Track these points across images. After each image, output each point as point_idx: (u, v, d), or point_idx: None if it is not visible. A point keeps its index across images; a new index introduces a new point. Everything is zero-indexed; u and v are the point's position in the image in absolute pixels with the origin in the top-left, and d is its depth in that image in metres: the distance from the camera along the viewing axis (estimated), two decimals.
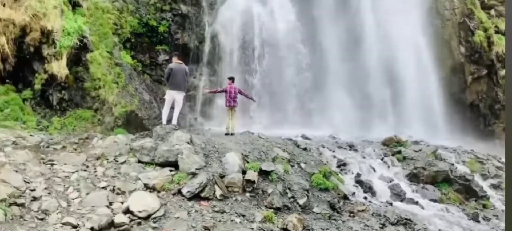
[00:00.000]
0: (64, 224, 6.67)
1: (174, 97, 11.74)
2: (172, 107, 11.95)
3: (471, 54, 21.18)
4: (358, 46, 19.84)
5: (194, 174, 8.74)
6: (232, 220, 7.75)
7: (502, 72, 20.50)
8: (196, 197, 8.22)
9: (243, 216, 8.01)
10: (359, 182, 11.15)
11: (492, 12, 22.05)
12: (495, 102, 21.38)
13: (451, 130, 19.32)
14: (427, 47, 20.46)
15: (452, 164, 12.84)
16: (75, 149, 9.95)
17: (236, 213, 8.05)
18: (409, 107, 19.18)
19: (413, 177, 12.06)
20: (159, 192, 8.32)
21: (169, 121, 11.86)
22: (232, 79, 13.31)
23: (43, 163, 8.69)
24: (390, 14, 19.82)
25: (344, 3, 20.07)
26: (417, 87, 19.64)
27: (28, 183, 7.55)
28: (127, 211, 7.31)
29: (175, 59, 11.93)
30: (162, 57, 16.15)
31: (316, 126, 17.48)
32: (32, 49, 12.68)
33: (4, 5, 12.43)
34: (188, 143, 9.64)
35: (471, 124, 21.20)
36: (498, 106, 21.25)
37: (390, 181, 11.56)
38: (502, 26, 21.40)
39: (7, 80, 12.57)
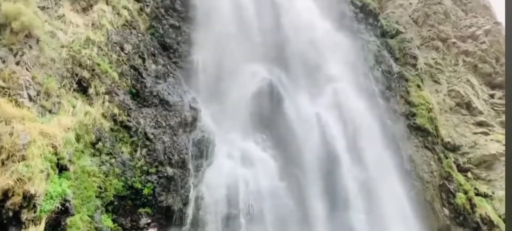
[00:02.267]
0: None
1: None
2: None
3: (456, 217, 21.35)
4: (344, 206, 19.98)
5: None
6: None
7: None
8: None
9: None
10: None
11: (469, 174, 22.90)
12: None
13: None
14: (411, 209, 20.60)
15: None
16: None
17: None
18: None
19: None
20: None
21: None
22: None
23: None
24: (371, 177, 20.51)
25: (325, 161, 20.81)
26: None
27: None
28: None
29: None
30: (143, 221, 15.76)
31: None
32: (10, 213, 12.31)
33: None
34: None
35: None
36: None
37: None
38: (481, 189, 22.07)
39: None
